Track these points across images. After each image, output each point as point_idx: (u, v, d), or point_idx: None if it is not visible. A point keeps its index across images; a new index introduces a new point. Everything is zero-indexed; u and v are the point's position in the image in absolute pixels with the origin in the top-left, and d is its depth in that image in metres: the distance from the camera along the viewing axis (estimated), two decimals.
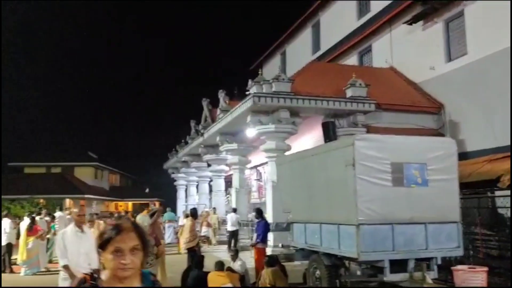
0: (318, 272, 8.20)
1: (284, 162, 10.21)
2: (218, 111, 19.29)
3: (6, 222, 13.41)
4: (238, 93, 23.07)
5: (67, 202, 40.96)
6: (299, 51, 28.17)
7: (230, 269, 8.88)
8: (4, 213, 15.05)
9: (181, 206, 29.72)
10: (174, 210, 26.74)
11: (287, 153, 15.37)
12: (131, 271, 2.01)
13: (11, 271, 12.72)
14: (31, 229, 12.85)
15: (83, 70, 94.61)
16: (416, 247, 7.31)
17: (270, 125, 14.67)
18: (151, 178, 53.95)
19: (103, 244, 2.03)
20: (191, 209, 12.26)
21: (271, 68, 31.56)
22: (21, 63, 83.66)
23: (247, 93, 14.87)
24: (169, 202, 41.53)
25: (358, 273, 7.73)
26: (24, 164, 46.89)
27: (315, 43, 26.67)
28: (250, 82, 15.05)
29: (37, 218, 14.12)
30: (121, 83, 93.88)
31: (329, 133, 14.97)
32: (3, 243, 13.06)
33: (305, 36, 27.68)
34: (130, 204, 54.00)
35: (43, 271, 13.10)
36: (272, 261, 8.56)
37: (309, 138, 18.26)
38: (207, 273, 8.56)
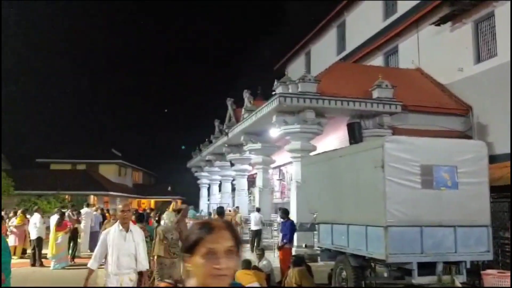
0: (344, 273, 8.21)
1: (310, 163, 10.24)
2: (243, 110, 19.39)
3: (37, 217, 13.76)
4: (261, 93, 23.20)
5: (92, 198, 41.70)
6: (323, 52, 28.10)
7: (256, 268, 8.96)
8: (35, 208, 15.44)
9: (204, 204, 29.99)
10: (196, 208, 27.04)
11: (312, 153, 15.44)
12: (226, 279, 1.64)
13: (41, 265, 13.04)
14: (61, 224, 13.16)
15: (108, 67, 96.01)
16: (445, 250, 7.27)
17: (296, 125, 14.70)
18: (173, 176, 54.54)
19: (190, 247, 1.68)
20: (218, 208, 12.34)
21: (295, 68, 31.56)
22: (48, 61, 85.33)
23: (273, 93, 14.92)
24: (191, 201, 41.99)
25: (385, 274, 7.71)
26: (50, 161, 47.80)
27: (340, 43, 26.58)
28: (275, 82, 15.10)
29: (67, 213, 14.44)
30: (145, 81, 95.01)
31: (355, 134, 14.92)
32: (34, 237, 13.42)
33: (330, 36, 27.59)
34: (152, 201, 54.66)
35: (71, 265, 13.41)
36: (299, 261, 8.61)
37: (333, 139, 18.22)
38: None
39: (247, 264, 8.51)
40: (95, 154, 48.61)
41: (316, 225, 9.48)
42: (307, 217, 14.54)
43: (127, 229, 5.51)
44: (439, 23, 17.11)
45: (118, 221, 5.63)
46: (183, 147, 55.47)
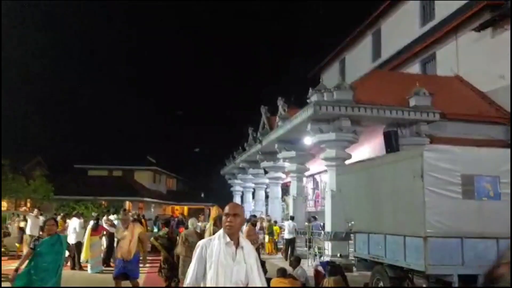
0: (381, 283, 8.07)
1: (346, 172, 10.15)
2: (277, 118, 19.41)
3: (76, 222, 14.09)
4: (295, 101, 23.17)
5: (127, 204, 42.48)
6: (358, 59, 27.91)
7: (291, 277, 8.92)
8: (74, 212, 15.85)
9: None
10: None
11: (347, 162, 15.31)
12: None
13: (81, 268, 13.33)
14: (96, 229, 13.46)
15: (144, 75, 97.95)
16: (486, 262, 7.01)
17: (331, 133, 14.61)
18: (206, 183, 54.79)
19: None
20: (251, 216, 12.41)
21: (329, 76, 31.40)
22: (86, 68, 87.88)
23: (308, 101, 14.89)
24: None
25: (424, 286, 7.54)
26: (88, 167, 48.96)
27: (375, 51, 26.34)
28: (310, 90, 15.07)
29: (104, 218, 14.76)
30: (180, 89, 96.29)
31: (391, 143, 14.69)
32: (73, 241, 13.74)
33: (365, 44, 27.40)
34: (186, 208, 55.20)
35: (108, 270, 13.66)
36: (335, 270, 8.52)
37: (367, 148, 18.01)
38: (269, 279, 8.65)
39: (283, 273, 8.48)
40: (130, 161, 49.47)
41: (352, 235, 9.34)
42: (341, 226, 14.40)
43: (236, 244, 3.52)
44: (479, 29, 16.74)
45: (222, 229, 3.57)
46: (196, 150, 55.95)
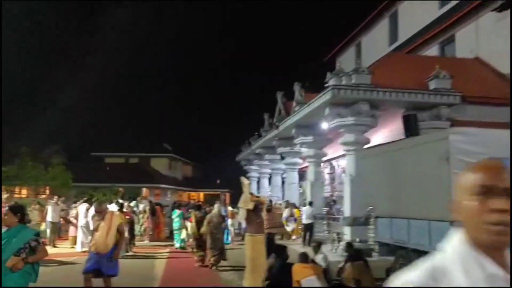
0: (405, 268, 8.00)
1: (367, 156, 10.04)
2: (294, 103, 19.27)
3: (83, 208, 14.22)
4: (310, 86, 22.95)
5: (144, 191, 42.84)
6: (375, 42, 27.48)
7: (313, 262, 8.90)
8: (94, 200, 15.97)
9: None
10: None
11: (365, 146, 15.18)
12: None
13: None
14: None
15: (157, 63, 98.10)
16: None
17: (349, 117, 14.45)
18: (222, 169, 54.96)
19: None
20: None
21: (345, 60, 30.98)
22: (101, 60, 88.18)
23: (326, 85, 14.73)
24: (239, 194, 42.25)
25: None
26: (105, 154, 49.37)
27: (392, 33, 25.90)
28: (328, 74, 14.90)
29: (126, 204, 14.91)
30: (194, 75, 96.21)
31: (411, 127, 14.48)
32: (93, 227, 13.87)
33: (382, 26, 26.94)
34: (201, 194, 55.53)
35: (129, 255, 13.81)
36: (357, 255, 8.47)
37: (385, 132, 17.82)
38: (290, 264, 8.64)
39: (305, 258, 8.45)
40: (146, 148, 49.78)
41: (373, 219, 9.26)
42: (360, 211, 14.32)
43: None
44: (500, 9, 16.34)
45: None
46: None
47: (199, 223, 11.86)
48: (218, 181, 56.56)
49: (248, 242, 9.42)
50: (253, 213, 9.50)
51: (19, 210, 4.87)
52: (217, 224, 11.53)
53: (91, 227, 8.48)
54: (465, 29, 18.98)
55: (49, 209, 15.63)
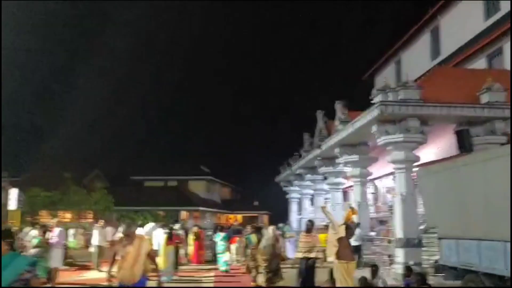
0: None
1: (427, 173, 9.51)
2: (337, 122, 18.84)
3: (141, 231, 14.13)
4: (349, 104, 22.48)
5: (183, 214, 42.94)
6: (415, 58, 26.87)
7: (371, 286, 8.44)
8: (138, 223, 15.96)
9: (295, 219, 29.68)
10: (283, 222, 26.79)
11: (415, 163, 14.61)
12: None
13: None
14: (171, 239, 13.46)
15: (194, 84, 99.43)
16: None
17: (398, 134, 13.92)
18: (259, 191, 54.73)
19: None
20: (307, 222, 12.00)
21: (384, 78, 30.45)
22: (139, 81, 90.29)
23: (372, 102, 14.31)
24: (277, 216, 41.73)
25: None
26: (144, 178, 49.98)
27: (434, 48, 25.28)
28: (374, 90, 14.49)
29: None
30: (231, 97, 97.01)
31: (464, 142, 13.87)
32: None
33: (423, 42, 26.36)
34: (239, 216, 55.26)
35: (175, 279, 13.61)
36: (423, 279, 7.94)
37: (433, 148, 17.17)
38: None
39: (365, 282, 8.02)
40: (185, 171, 50.08)
41: (437, 241, 8.71)
42: (414, 232, 13.70)
43: None
44: None
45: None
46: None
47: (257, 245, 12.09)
48: (256, 203, 56.26)
49: (340, 270, 8.64)
50: (345, 238, 8.91)
51: (9, 236, 4.41)
52: (272, 246, 11.39)
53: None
54: None
55: (95, 233, 15.66)
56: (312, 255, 10.48)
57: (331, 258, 8.63)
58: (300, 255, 9.99)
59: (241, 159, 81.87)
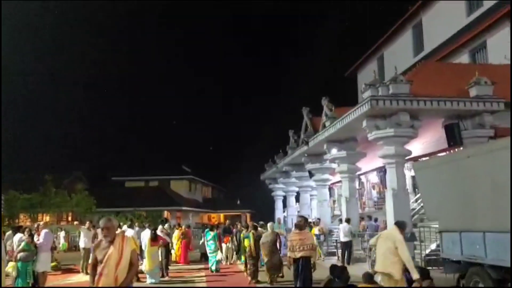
0: (481, 286, 7.36)
1: (426, 166, 9.43)
2: (324, 118, 18.76)
3: (130, 232, 13.79)
4: (331, 101, 22.42)
5: (165, 214, 42.38)
6: (398, 54, 27.06)
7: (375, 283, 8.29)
8: (128, 223, 15.57)
9: (280, 216, 29.55)
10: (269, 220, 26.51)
11: (406, 158, 14.64)
12: None
13: (138, 280, 12.94)
14: (155, 240, 13.10)
15: (174, 84, 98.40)
16: None
17: (388, 129, 13.89)
18: (242, 190, 54.55)
19: None
20: (298, 218, 11.84)
21: (366, 74, 30.59)
22: (117, 82, 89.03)
23: (363, 96, 14.24)
24: (261, 214, 41.59)
25: None
26: (125, 179, 49.24)
27: (416, 44, 25.50)
28: (364, 85, 14.42)
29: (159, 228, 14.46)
30: (212, 96, 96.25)
31: (454, 136, 13.95)
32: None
33: (405, 38, 26.58)
34: (222, 215, 54.93)
35: (165, 281, 13.28)
36: (425, 274, 7.84)
37: (420, 143, 17.25)
38: (351, 285, 8.04)
39: (370, 277, 7.86)
40: (166, 171, 49.49)
41: (439, 234, 8.63)
42: (406, 226, 13.65)
43: None
44: None
45: None
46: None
47: (257, 242, 12.35)
48: (238, 202, 56.04)
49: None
50: None
51: None
52: (272, 242, 11.83)
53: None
54: (497, 35, 18.50)
55: (82, 235, 15.22)
56: (307, 253, 9.82)
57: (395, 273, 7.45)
58: (294, 254, 9.28)
59: (223, 157, 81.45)
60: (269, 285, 11.52)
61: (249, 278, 12.46)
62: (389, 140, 14.08)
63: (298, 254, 9.04)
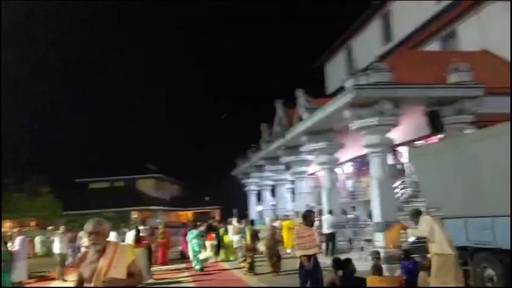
0: (489, 271, 7.26)
1: (424, 153, 9.29)
2: (301, 110, 18.51)
3: (112, 235, 13.12)
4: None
5: (134, 214, 41.39)
6: (367, 44, 27.08)
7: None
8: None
9: (255, 211, 29.23)
10: (243, 216, 26.04)
11: (389, 147, 14.58)
12: None
13: None
14: (139, 241, 12.54)
15: (139, 77, 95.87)
16: None
17: (371, 118, 13.75)
18: (210, 186, 53.85)
19: None
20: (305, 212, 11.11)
21: (335, 65, 30.64)
22: (82, 83, 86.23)
23: (345, 85, 14.04)
24: (230, 210, 41.09)
25: None
26: (88, 180, 47.82)
27: (385, 34, 25.61)
28: (345, 75, 14.24)
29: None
30: (180, 92, 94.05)
31: (435, 123, 13.99)
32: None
33: (373, 28, 26.66)
34: (190, 213, 54.23)
35: (150, 283, 12.74)
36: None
37: (397, 131, 17.28)
38: (359, 278, 7.83)
39: (378, 270, 7.67)
40: (131, 170, 48.31)
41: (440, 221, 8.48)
42: (392, 215, 13.61)
43: None
44: None
45: None
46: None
47: (253, 236, 13.54)
48: (207, 199, 55.36)
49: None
50: None
51: None
52: (271, 236, 13.31)
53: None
54: (468, 22, 18.74)
55: (56, 240, 14.41)
56: (316, 250, 8.87)
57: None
58: (308, 251, 8.19)
59: (190, 154, 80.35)
60: (266, 285, 11.16)
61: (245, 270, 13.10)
62: (372, 129, 13.94)
63: (311, 251, 8.23)
